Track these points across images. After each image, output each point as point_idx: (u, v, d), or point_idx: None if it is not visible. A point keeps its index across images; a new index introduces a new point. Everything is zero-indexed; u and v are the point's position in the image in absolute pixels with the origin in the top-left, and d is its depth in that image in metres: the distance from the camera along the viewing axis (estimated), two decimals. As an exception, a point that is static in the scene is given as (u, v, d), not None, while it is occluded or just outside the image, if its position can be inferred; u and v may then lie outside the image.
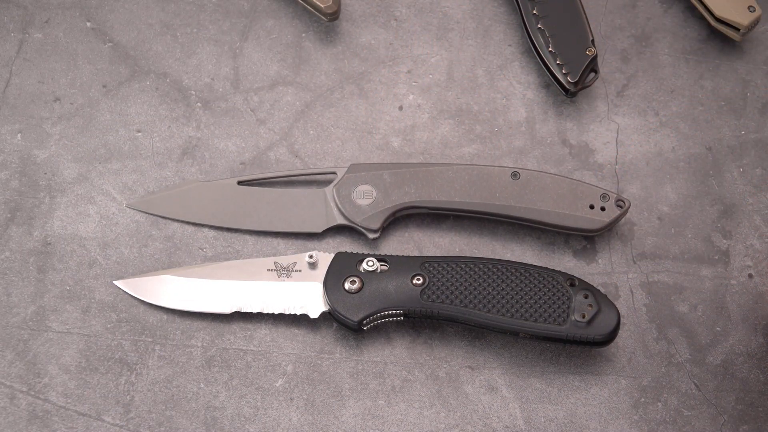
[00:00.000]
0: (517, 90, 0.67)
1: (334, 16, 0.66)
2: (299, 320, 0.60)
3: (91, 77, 0.66)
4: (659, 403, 0.59)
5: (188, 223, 0.62)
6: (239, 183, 0.62)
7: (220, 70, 0.67)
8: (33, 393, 0.58)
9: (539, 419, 0.58)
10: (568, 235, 0.63)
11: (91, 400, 0.58)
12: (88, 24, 0.68)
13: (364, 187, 0.61)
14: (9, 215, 0.62)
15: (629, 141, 0.66)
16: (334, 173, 0.62)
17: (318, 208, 0.61)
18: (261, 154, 0.65)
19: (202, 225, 0.62)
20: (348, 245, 0.62)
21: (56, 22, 0.68)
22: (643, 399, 0.59)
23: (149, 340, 0.59)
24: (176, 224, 0.62)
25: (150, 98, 0.66)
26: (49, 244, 0.61)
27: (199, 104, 0.66)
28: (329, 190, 0.62)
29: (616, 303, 0.61)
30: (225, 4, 0.69)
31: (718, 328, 0.61)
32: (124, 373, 0.58)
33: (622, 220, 0.63)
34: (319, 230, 0.62)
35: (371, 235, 0.61)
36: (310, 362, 0.59)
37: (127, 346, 0.59)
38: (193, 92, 0.66)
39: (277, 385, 0.59)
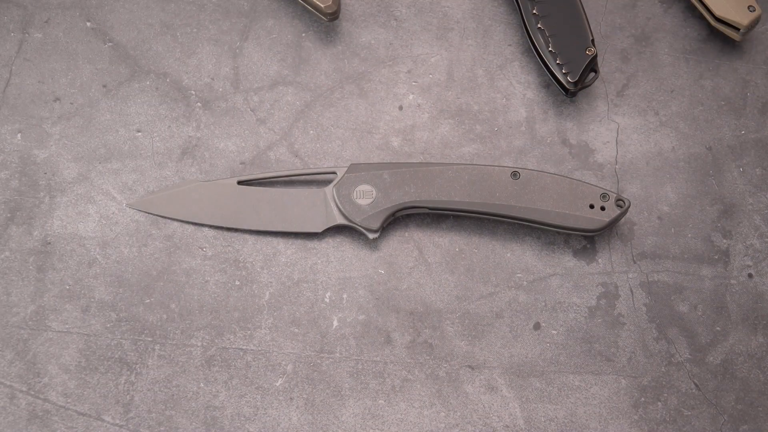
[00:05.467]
0: (517, 90, 0.67)
1: (334, 16, 0.66)
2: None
3: (91, 77, 0.66)
4: (659, 403, 0.59)
5: (188, 222, 0.62)
6: (239, 183, 0.62)
7: (220, 70, 0.67)
8: (33, 393, 0.58)
9: (539, 419, 0.58)
10: (568, 235, 0.63)
11: (91, 399, 0.58)
12: (88, 24, 0.68)
13: (364, 187, 0.61)
14: (9, 215, 0.62)
15: (629, 141, 0.66)
16: (334, 173, 0.62)
17: (318, 208, 0.62)
18: (261, 154, 0.65)
19: (202, 225, 0.62)
20: (348, 245, 0.62)
21: (56, 22, 0.68)
22: (643, 399, 0.59)
23: (149, 339, 0.59)
24: (176, 224, 0.62)
25: (150, 98, 0.66)
26: (49, 243, 0.61)
27: (199, 104, 0.66)
28: (329, 189, 0.62)
29: (616, 303, 0.61)
30: (225, 4, 0.69)
31: (718, 328, 0.61)
32: (124, 373, 0.58)
33: (622, 219, 0.63)
34: (319, 230, 0.62)
35: (371, 235, 0.61)
36: (310, 362, 0.59)
37: (127, 346, 0.59)
38: (193, 92, 0.66)
39: (277, 384, 0.59)
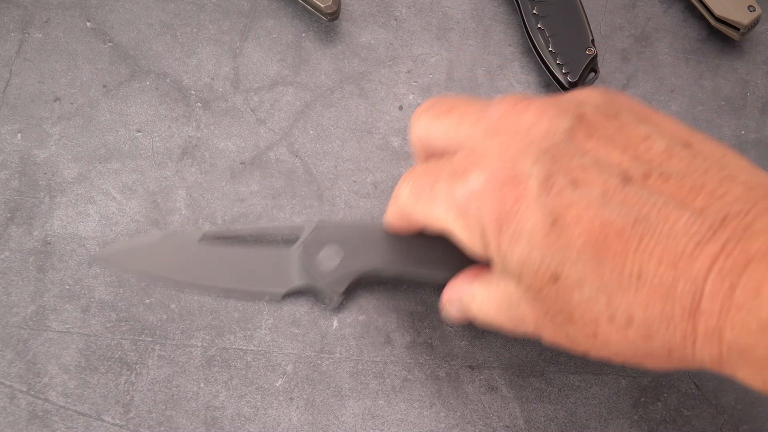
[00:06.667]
0: (517, 90, 0.67)
1: (334, 16, 0.66)
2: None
3: (91, 77, 0.66)
4: (659, 403, 0.59)
5: (151, 278, 0.60)
6: (202, 239, 0.60)
7: (220, 70, 0.67)
8: (33, 393, 0.58)
9: (539, 419, 0.58)
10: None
11: (91, 399, 0.58)
12: (88, 24, 0.68)
13: (331, 248, 0.58)
14: (9, 215, 0.62)
15: (629, 141, 0.66)
16: (301, 230, 0.59)
17: (282, 268, 0.59)
18: (261, 154, 0.65)
19: (164, 280, 0.59)
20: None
21: (56, 22, 0.68)
22: (643, 399, 0.59)
23: (149, 339, 0.59)
24: (176, 224, 0.62)
25: (150, 98, 0.66)
26: (49, 243, 0.61)
27: (199, 104, 0.66)
28: (294, 249, 0.59)
29: (616, 303, 0.61)
30: (225, 4, 0.69)
31: (718, 328, 0.61)
32: (124, 373, 0.58)
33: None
34: (282, 290, 0.59)
35: (336, 298, 0.59)
36: (310, 362, 0.59)
37: (127, 346, 0.59)
38: (193, 92, 0.66)
39: (277, 385, 0.59)
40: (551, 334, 0.47)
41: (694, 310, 0.40)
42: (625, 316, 0.42)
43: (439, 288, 0.56)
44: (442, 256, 0.56)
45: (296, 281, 0.59)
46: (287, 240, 0.60)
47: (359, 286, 0.60)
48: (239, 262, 0.59)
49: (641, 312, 0.42)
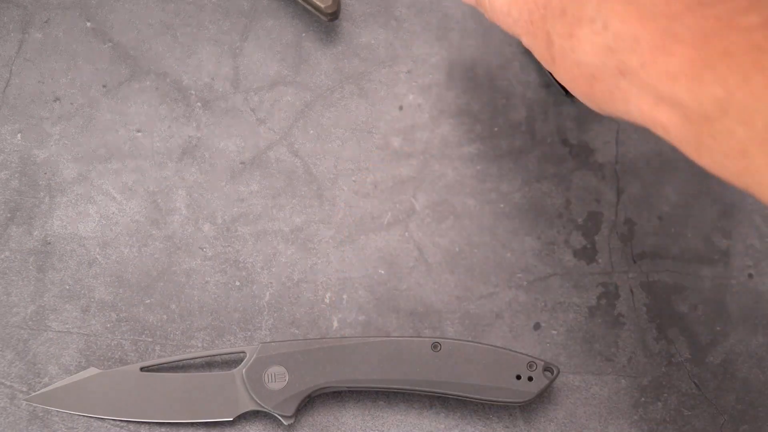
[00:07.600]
0: (517, 90, 0.67)
1: (334, 16, 0.66)
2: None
3: (91, 77, 0.66)
4: (659, 403, 0.59)
5: (91, 417, 0.57)
6: (142, 369, 0.58)
7: (220, 69, 0.67)
8: (33, 393, 0.58)
9: (539, 419, 0.58)
10: (569, 233, 0.63)
11: (91, 400, 0.58)
12: (88, 24, 0.68)
13: (276, 369, 0.57)
14: (9, 215, 0.62)
15: (629, 140, 0.66)
16: (243, 353, 0.58)
17: (227, 393, 0.57)
18: (261, 154, 0.65)
19: (106, 418, 0.57)
20: (348, 245, 0.62)
21: (56, 22, 0.68)
22: (643, 399, 0.59)
23: (149, 340, 0.59)
24: (176, 224, 0.62)
25: (150, 98, 0.66)
26: (49, 243, 0.61)
27: (199, 104, 0.66)
28: (238, 372, 0.57)
29: (616, 303, 0.61)
30: (225, 4, 0.69)
31: (718, 328, 0.61)
32: (124, 373, 0.58)
33: (622, 218, 0.63)
34: (231, 417, 0.57)
35: (286, 421, 0.57)
36: (310, 362, 0.59)
37: (127, 346, 0.59)
38: (193, 92, 0.66)
39: (277, 385, 0.59)
40: (538, 27, 0.49)
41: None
42: (602, 22, 0.45)
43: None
44: (392, 362, 0.56)
45: (243, 406, 0.57)
46: (229, 363, 0.59)
47: (311, 401, 0.58)
48: (184, 389, 0.57)
49: (617, 24, 0.44)
